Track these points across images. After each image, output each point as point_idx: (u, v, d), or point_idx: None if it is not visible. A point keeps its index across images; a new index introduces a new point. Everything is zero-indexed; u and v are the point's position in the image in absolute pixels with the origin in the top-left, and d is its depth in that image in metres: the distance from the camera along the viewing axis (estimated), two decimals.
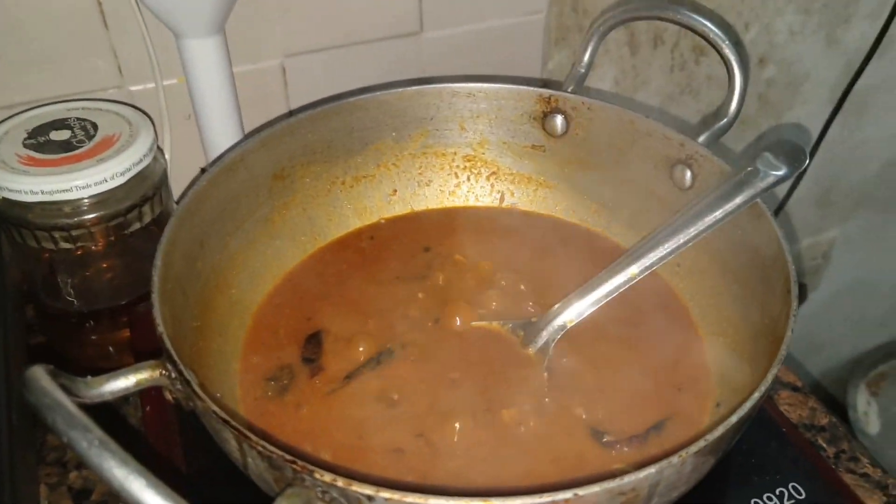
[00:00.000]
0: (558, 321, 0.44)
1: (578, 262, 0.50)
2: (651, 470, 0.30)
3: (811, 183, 1.04)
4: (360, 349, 0.45)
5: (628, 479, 0.30)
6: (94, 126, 0.53)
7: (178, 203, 0.47)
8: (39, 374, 0.28)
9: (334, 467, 0.36)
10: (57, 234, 0.51)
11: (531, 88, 0.52)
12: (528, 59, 0.74)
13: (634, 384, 0.44)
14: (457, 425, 0.41)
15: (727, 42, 0.48)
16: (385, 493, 0.29)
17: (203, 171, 0.56)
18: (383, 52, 0.69)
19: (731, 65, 0.48)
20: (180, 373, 0.33)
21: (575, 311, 0.44)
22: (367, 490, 0.29)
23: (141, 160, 0.52)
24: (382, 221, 0.55)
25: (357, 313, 0.48)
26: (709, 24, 0.48)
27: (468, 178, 0.56)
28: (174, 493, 0.25)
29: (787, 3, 0.84)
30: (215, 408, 0.32)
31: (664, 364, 0.45)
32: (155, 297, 0.37)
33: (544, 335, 0.44)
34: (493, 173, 0.56)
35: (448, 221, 0.55)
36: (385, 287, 0.49)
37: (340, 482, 0.29)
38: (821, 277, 1.17)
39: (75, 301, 0.55)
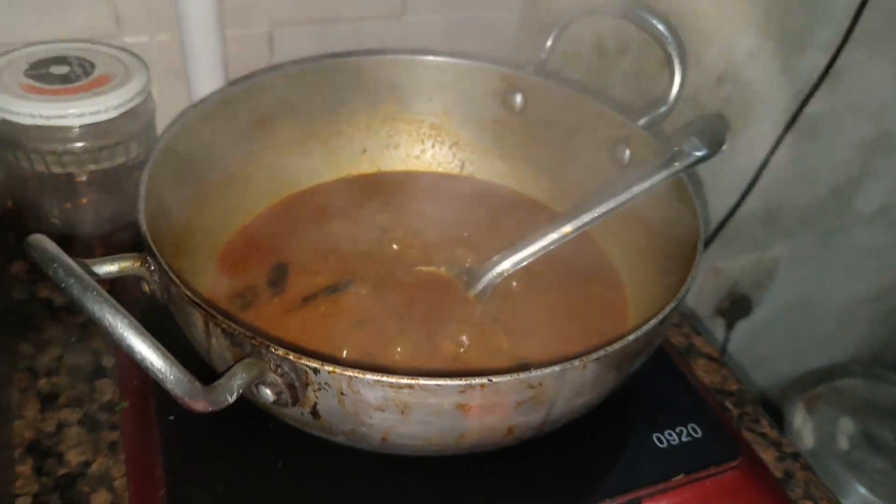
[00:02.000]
0: (497, 269, 0.49)
1: (523, 226, 0.54)
2: (556, 368, 0.35)
3: (759, 200, 1.10)
4: (319, 280, 0.50)
5: (536, 372, 0.35)
6: (92, 65, 0.58)
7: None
8: (43, 239, 0.32)
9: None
10: (49, 158, 0.56)
11: (494, 66, 0.58)
12: (502, 50, 0.79)
13: (561, 327, 0.49)
14: (398, 349, 0.46)
15: (670, 38, 0.54)
16: (328, 367, 0.34)
17: None
18: (367, 29, 0.74)
19: (672, 58, 0.54)
20: (158, 262, 0.38)
21: (511, 262, 0.49)
22: (314, 363, 0.34)
23: (132, 98, 0.57)
24: (351, 176, 0.60)
25: (320, 252, 0.52)
26: (655, 24, 0.54)
27: (433, 146, 0.61)
28: (150, 336, 0.30)
29: (747, 27, 0.91)
30: (186, 291, 0.36)
31: (590, 312, 0.50)
32: (141, 203, 0.41)
33: (484, 280, 0.50)
34: (456, 143, 0.61)
35: (411, 183, 0.60)
36: (347, 233, 0.54)
37: (291, 356, 0.34)
38: (765, 293, 1.23)
39: (59, 225, 0.59)
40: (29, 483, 0.47)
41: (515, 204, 0.59)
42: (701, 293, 1.17)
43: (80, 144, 0.56)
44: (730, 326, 1.17)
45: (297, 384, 0.35)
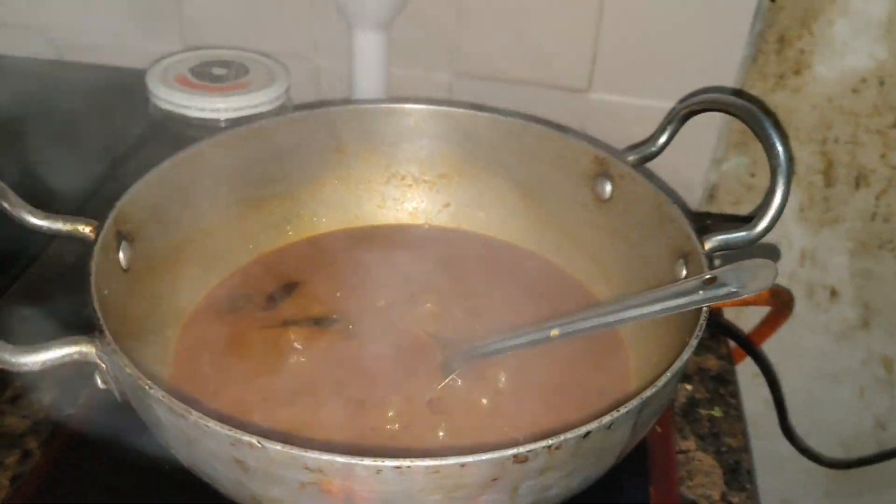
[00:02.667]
0: (473, 352, 0.45)
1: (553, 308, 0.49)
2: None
3: None
4: (309, 310, 0.49)
5: (315, 455, 0.30)
6: (246, 70, 0.64)
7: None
8: None
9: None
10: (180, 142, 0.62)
11: (589, 145, 0.52)
12: (698, 151, 0.71)
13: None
14: (330, 397, 0.43)
15: (781, 160, 0.43)
16: (129, 369, 0.33)
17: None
18: (547, 98, 0.71)
19: (776, 182, 0.44)
20: (97, 234, 0.40)
21: (487, 349, 0.44)
22: (122, 361, 0.34)
23: (271, 101, 0.62)
24: (426, 226, 0.58)
25: (334, 287, 0.52)
26: (772, 136, 0.44)
27: (517, 215, 0.57)
28: None
29: None
30: (93, 262, 0.38)
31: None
32: (131, 189, 0.45)
33: (456, 360, 0.45)
34: (540, 219, 0.56)
35: (474, 246, 0.56)
36: (375, 275, 0.52)
37: (112, 346, 0.34)
38: None
39: None
40: None
41: (563, 292, 0.52)
42: None
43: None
44: None
45: (120, 379, 0.35)
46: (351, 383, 0.45)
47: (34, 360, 0.33)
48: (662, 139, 0.52)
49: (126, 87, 0.68)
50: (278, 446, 0.30)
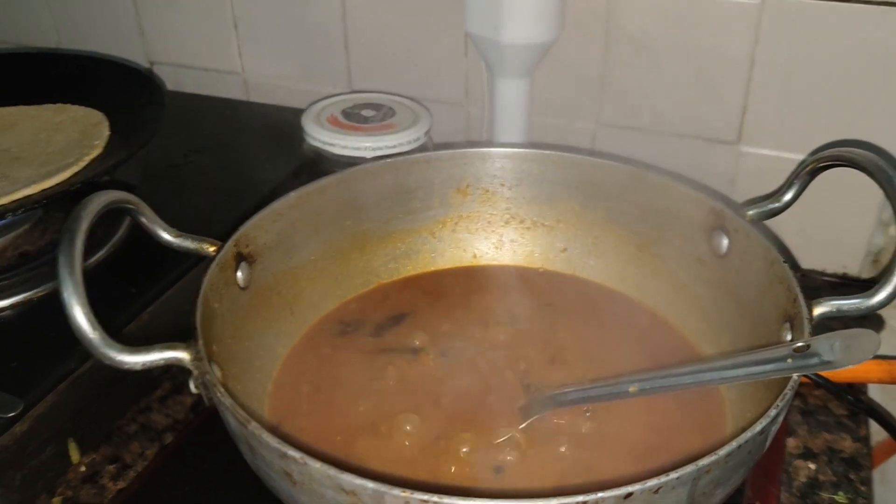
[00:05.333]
0: (553, 400, 0.44)
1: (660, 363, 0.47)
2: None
3: None
4: (411, 341, 0.51)
5: (349, 478, 0.32)
6: (393, 112, 0.68)
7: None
8: (96, 199, 0.42)
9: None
10: None
11: (706, 197, 0.50)
12: (860, 211, 0.66)
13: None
14: (407, 427, 0.45)
15: None
16: (210, 376, 0.37)
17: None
18: (693, 150, 0.70)
19: None
20: (218, 254, 0.45)
21: (565, 399, 0.43)
22: (209, 368, 0.37)
23: (411, 141, 0.66)
24: (541, 270, 0.58)
25: (444, 320, 0.53)
26: None
27: (633, 264, 0.56)
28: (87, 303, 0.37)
29: None
30: (208, 278, 0.43)
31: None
32: (258, 216, 0.49)
33: (536, 406, 0.45)
34: (656, 271, 0.54)
35: (586, 293, 0.56)
36: (483, 313, 0.54)
37: (203, 356, 0.38)
38: None
39: None
40: (180, 410, 0.57)
41: (666, 347, 0.50)
42: None
43: None
44: None
45: (208, 386, 0.38)
46: (433, 416, 0.46)
47: (136, 360, 0.38)
48: (788, 195, 0.49)
49: (292, 126, 0.74)
50: (317, 464, 0.32)
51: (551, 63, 0.67)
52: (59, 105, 0.65)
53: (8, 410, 0.45)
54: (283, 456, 0.33)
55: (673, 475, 0.32)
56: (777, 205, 0.49)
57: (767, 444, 0.36)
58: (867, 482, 0.51)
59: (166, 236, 0.46)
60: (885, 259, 0.68)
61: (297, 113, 0.79)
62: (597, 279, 0.57)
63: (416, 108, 0.70)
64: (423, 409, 0.46)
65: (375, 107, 0.70)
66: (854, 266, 0.68)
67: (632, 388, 0.41)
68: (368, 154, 0.65)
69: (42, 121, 0.63)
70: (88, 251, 0.54)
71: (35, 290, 0.54)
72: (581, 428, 0.45)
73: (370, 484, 0.31)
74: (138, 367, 0.38)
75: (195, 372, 0.39)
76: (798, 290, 0.42)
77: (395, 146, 0.65)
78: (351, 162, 0.65)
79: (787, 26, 0.61)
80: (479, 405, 0.46)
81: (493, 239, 0.59)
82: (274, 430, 0.37)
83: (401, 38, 0.75)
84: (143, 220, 0.45)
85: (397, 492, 0.31)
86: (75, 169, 0.55)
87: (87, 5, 0.88)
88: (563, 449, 0.43)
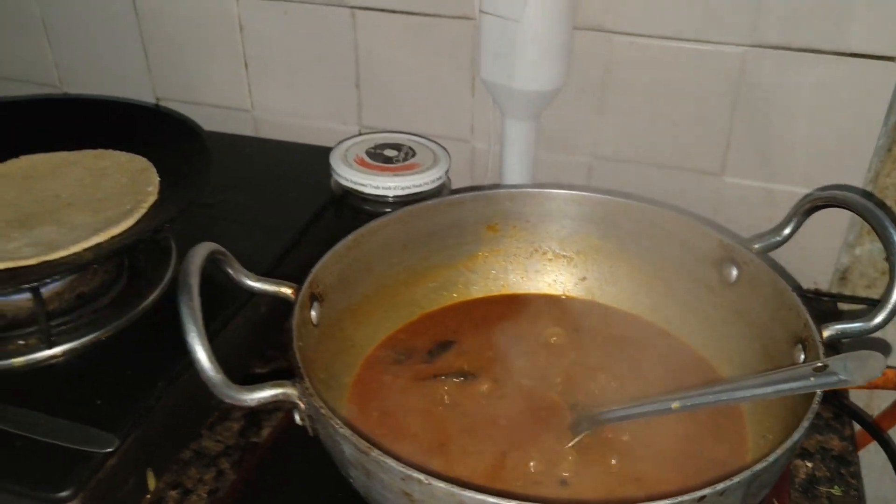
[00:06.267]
0: (601, 417, 0.51)
1: (682, 383, 0.54)
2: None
3: None
4: (461, 366, 0.57)
5: (470, 494, 0.38)
6: (413, 153, 0.74)
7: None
8: (200, 250, 0.47)
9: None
10: (360, 216, 0.73)
11: (715, 232, 0.57)
12: (828, 237, 0.74)
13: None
14: (475, 446, 0.51)
15: None
16: (324, 411, 0.42)
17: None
18: (682, 180, 0.77)
19: (894, 276, 0.48)
20: (299, 296, 0.50)
21: (617, 415, 0.50)
22: (318, 403, 0.43)
23: (431, 182, 0.71)
24: (563, 297, 0.65)
25: (485, 347, 0.59)
26: (890, 231, 0.48)
27: (648, 293, 0.63)
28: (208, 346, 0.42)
29: None
30: (294, 323, 0.48)
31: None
32: (324, 259, 0.54)
33: (584, 423, 0.51)
34: (669, 296, 0.61)
35: (608, 316, 0.62)
36: (520, 339, 0.60)
37: (310, 391, 0.43)
38: None
39: None
40: (230, 437, 0.61)
41: (686, 362, 0.58)
42: None
43: (380, 210, 0.72)
44: None
45: (314, 417, 0.44)
46: (491, 435, 0.52)
47: (252, 397, 0.43)
48: (787, 230, 0.56)
49: (311, 163, 0.79)
50: (442, 484, 0.37)
51: (554, 104, 0.74)
52: (99, 151, 0.68)
53: (105, 446, 0.49)
54: (407, 478, 0.38)
55: (735, 479, 0.38)
56: (778, 238, 0.57)
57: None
58: (856, 476, 0.59)
59: (248, 281, 0.51)
60: (853, 277, 0.77)
61: (313, 150, 0.84)
62: (614, 304, 0.64)
63: (433, 147, 0.75)
64: (484, 429, 0.52)
65: (396, 147, 0.75)
66: (824, 282, 0.77)
67: (674, 405, 0.47)
68: (397, 192, 0.70)
69: (85, 166, 0.66)
70: (139, 295, 0.59)
71: (102, 331, 0.58)
72: (622, 439, 0.51)
73: (491, 499, 0.37)
74: (253, 404, 0.43)
75: (303, 406, 0.44)
76: (808, 316, 0.49)
77: (420, 185, 0.70)
78: (378, 200, 0.71)
79: (763, 73, 0.69)
80: (532, 424, 0.52)
81: (520, 270, 0.65)
82: None
83: (411, 78, 0.81)
84: (229, 268, 0.50)
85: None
86: (136, 216, 0.59)
87: (92, 42, 0.91)
88: (613, 461, 0.49)
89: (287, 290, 0.51)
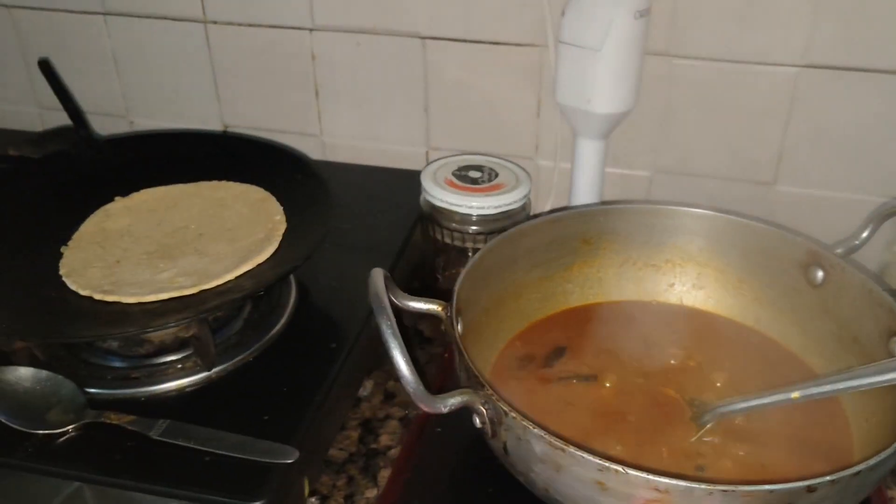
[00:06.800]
0: (724, 409, 0.57)
1: (780, 380, 0.60)
2: (681, 483, 0.43)
3: None
4: (582, 368, 0.63)
5: (656, 477, 0.43)
6: (496, 174, 0.80)
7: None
8: (378, 273, 0.52)
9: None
10: (447, 233, 0.78)
11: (804, 240, 0.64)
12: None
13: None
14: (618, 447, 0.56)
15: None
16: (513, 413, 0.48)
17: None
18: (737, 190, 0.84)
19: None
20: (451, 310, 0.55)
21: (740, 406, 0.56)
22: (504, 407, 0.48)
23: (513, 203, 0.76)
24: (654, 302, 0.71)
25: (596, 350, 0.65)
26: None
27: (735, 295, 0.69)
28: (407, 353, 0.47)
29: None
30: (457, 333, 0.53)
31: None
32: (464, 272, 0.60)
33: (709, 415, 0.57)
34: (757, 299, 0.68)
35: (701, 321, 0.69)
36: (625, 342, 0.66)
37: (493, 396, 0.49)
38: None
39: (441, 280, 0.82)
40: (350, 444, 0.67)
41: (786, 362, 0.64)
42: None
43: (471, 228, 0.77)
44: None
45: (495, 420, 0.49)
46: (622, 430, 0.57)
47: (446, 404, 0.48)
48: (865, 234, 0.63)
49: (391, 184, 0.85)
50: (639, 472, 0.43)
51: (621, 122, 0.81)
52: (213, 182, 0.72)
53: (287, 457, 0.54)
54: (604, 469, 0.44)
55: (883, 455, 0.44)
56: (857, 242, 0.64)
57: None
58: None
59: (409, 303, 0.56)
60: (891, 272, 0.84)
61: (386, 172, 0.90)
62: (707, 308, 0.70)
63: (513, 168, 0.81)
64: (615, 425, 0.58)
65: (478, 168, 0.81)
66: None
67: (794, 395, 0.54)
68: (489, 212, 0.76)
69: (203, 198, 0.70)
70: (270, 317, 0.63)
71: (248, 352, 0.62)
72: (747, 429, 0.57)
73: (682, 482, 0.43)
74: (446, 411, 0.48)
75: (485, 410, 0.49)
76: None
77: (509, 204, 0.76)
78: (463, 219, 0.76)
79: (817, 91, 0.76)
80: (658, 419, 0.58)
81: (613, 279, 0.71)
82: None
83: (478, 102, 0.87)
84: (391, 296, 0.54)
85: (705, 486, 0.42)
86: (275, 244, 0.63)
87: (158, 73, 0.94)
88: (741, 452, 0.56)
89: (437, 307, 0.57)
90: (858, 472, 0.44)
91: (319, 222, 0.65)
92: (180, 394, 0.58)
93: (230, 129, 0.96)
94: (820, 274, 0.64)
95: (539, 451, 0.47)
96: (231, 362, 0.61)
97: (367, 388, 0.72)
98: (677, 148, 0.84)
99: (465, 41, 0.84)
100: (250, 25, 0.89)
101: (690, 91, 0.80)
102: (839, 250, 0.63)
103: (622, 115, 0.78)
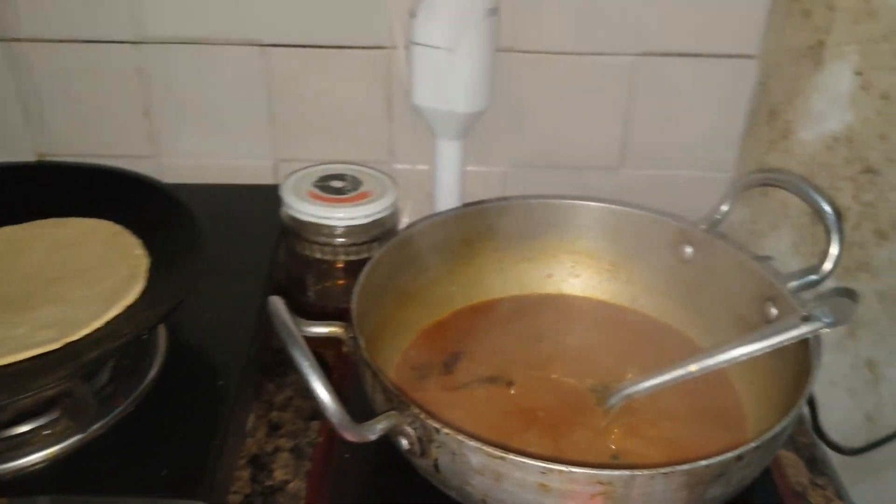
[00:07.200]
0: (627, 391, 0.58)
1: (670, 356, 0.62)
2: (625, 472, 0.43)
3: None
4: (481, 371, 0.62)
5: (606, 472, 0.43)
6: (360, 182, 0.77)
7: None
8: (277, 300, 0.48)
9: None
10: (316, 247, 0.75)
11: (670, 220, 0.67)
12: (710, 207, 0.88)
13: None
14: (538, 445, 0.56)
15: (830, 216, 0.60)
16: (446, 429, 0.46)
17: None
18: (587, 177, 0.87)
19: (830, 233, 0.60)
20: (353, 331, 0.53)
21: (642, 387, 0.58)
22: (436, 424, 0.46)
23: (382, 211, 0.74)
24: (535, 295, 0.72)
25: (492, 350, 0.65)
26: (818, 199, 0.60)
27: (609, 279, 0.71)
28: (326, 379, 0.44)
29: None
30: (365, 354, 0.50)
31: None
32: (357, 289, 0.57)
33: (614, 398, 0.58)
34: (630, 279, 0.71)
35: (583, 307, 0.70)
36: (516, 339, 0.66)
37: (422, 415, 0.47)
38: None
39: (313, 297, 0.78)
40: (244, 486, 0.62)
41: (669, 338, 0.67)
42: None
43: (340, 240, 0.74)
44: None
45: (424, 439, 0.47)
46: (537, 427, 0.57)
47: (373, 431, 0.46)
48: (725, 208, 0.67)
49: (242, 201, 0.80)
50: (582, 469, 0.43)
51: None
52: (54, 220, 0.64)
53: None
54: (546, 471, 0.43)
55: (783, 423, 0.47)
56: (718, 216, 0.68)
57: None
58: None
59: (304, 328, 0.52)
60: (753, 242, 0.91)
61: (233, 189, 0.84)
62: (583, 294, 0.72)
63: (375, 175, 0.79)
64: (530, 423, 0.58)
65: (340, 177, 0.78)
66: None
67: (692, 368, 0.56)
68: (361, 222, 0.73)
69: (46, 238, 0.62)
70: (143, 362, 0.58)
71: (126, 404, 0.56)
72: (647, 409, 0.59)
73: (625, 472, 0.43)
74: (375, 438, 0.46)
75: (412, 431, 0.47)
76: (773, 276, 0.60)
77: (380, 212, 0.74)
78: (331, 231, 0.73)
79: (653, 78, 0.81)
80: (567, 410, 0.59)
81: (494, 276, 0.71)
82: None
83: (326, 109, 0.83)
84: (290, 324, 0.50)
85: (648, 472, 0.43)
86: (142, 281, 0.57)
87: None
88: (649, 432, 0.57)
89: (339, 329, 0.54)
90: (776, 435, 0.47)
91: (188, 250, 0.59)
92: (55, 463, 0.51)
93: (46, 159, 0.86)
94: (689, 250, 0.67)
95: (476, 464, 0.45)
96: (109, 417, 0.54)
97: (249, 421, 0.67)
98: (530, 141, 0.85)
99: (308, 47, 0.81)
100: (63, 41, 0.80)
101: (539, 85, 0.82)
102: (703, 226, 0.67)
103: (481, 113, 0.78)
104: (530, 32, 0.79)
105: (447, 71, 0.73)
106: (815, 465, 0.65)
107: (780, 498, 0.58)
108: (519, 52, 0.80)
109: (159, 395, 0.58)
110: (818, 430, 0.83)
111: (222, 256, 0.72)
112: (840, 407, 1.04)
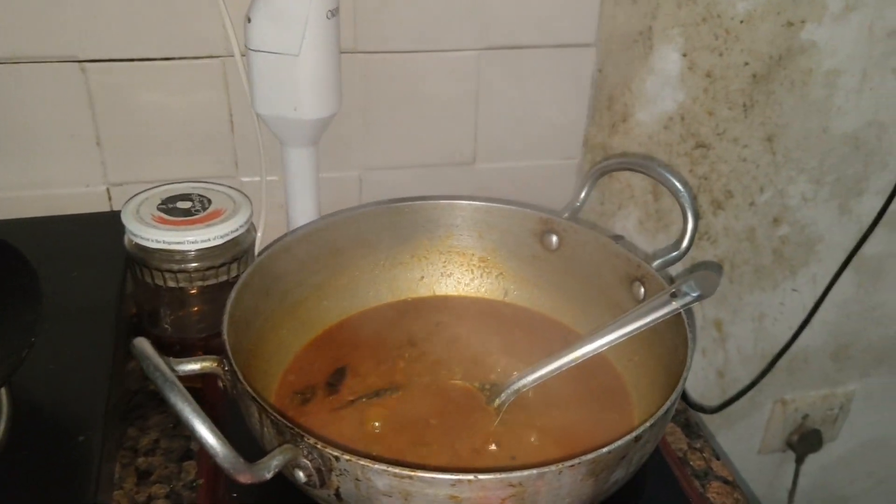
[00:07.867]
0: (515, 386, 0.58)
1: (549, 346, 0.63)
2: (533, 471, 0.43)
3: (828, 336, 1.13)
4: (368, 384, 0.60)
5: (516, 473, 0.43)
6: (209, 201, 0.72)
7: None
8: (143, 342, 0.44)
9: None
10: (168, 275, 0.69)
11: (534, 211, 0.68)
12: (562, 193, 0.90)
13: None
14: (436, 455, 0.55)
15: (684, 195, 0.62)
16: (346, 456, 0.43)
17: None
18: (442, 175, 0.86)
19: (685, 211, 0.62)
20: (230, 363, 0.49)
21: (528, 380, 0.58)
22: (336, 452, 0.43)
23: (237, 230, 0.70)
24: (409, 299, 0.70)
25: (375, 361, 0.63)
26: (672, 179, 0.63)
27: (481, 275, 0.71)
28: (210, 421, 0.40)
29: (800, 174, 0.98)
30: (247, 387, 0.47)
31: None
32: (226, 316, 0.53)
33: (503, 395, 0.58)
34: (501, 273, 0.71)
35: (459, 306, 0.70)
36: (399, 346, 0.64)
37: (319, 445, 0.44)
38: (839, 429, 1.23)
39: (169, 329, 0.72)
40: None
41: (546, 327, 0.67)
42: (769, 425, 1.19)
43: (193, 265, 0.69)
44: (799, 460, 1.17)
45: (323, 469, 0.44)
46: (432, 436, 0.56)
47: (269, 468, 0.42)
48: (582, 195, 0.69)
49: (75, 233, 0.73)
50: (491, 475, 0.42)
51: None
52: None
53: None
54: (456, 483, 0.42)
55: (663, 409, 0.48)
56: (578, 204, 0.69)
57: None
58: None
59: (180, 367, 0.48)
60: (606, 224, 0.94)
61: (69, 220, 0.77)
62: (454, 293, 0.71)
63: (225, 191, 0.74)
64: (424, 433, 0.56)
65: (186, 197, 0.72)
66: None
67: (575, 355, 0.56)
68: (216, 243, 0.68)
69: None
70: None
71: None
72: (535, 400, 0.59)
73: (534, 470, 0.42)
74: (271, 476, 0.42)
75: (309, 463, 0.44)
76: (639, 258, 0.62)
77: (235, 230, 0.69)
78: (181, 256, 0.68)
79: (496, 70, 0.81)
80: (459, 414, 0.58)
81: (366, 285, 0.69)
82: None
83: (160, 126, 0.78)
84: (162, 366, 0.46)
85: (554, 467, 0.43)
86: None
87: None
88: (532, 439, 0.57)
89: (212, 364, 0.50)
90: (667, 410, 0.48)
91: (20, 298, 0.53)
92: None
93: None
94: (554, 239, 0.68)
95: (383, 486, 0.43)
96: None
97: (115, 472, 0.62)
98: (382, 143, 0.83)
99: (132, 60, 0.75)
100: None
101: (385, 85, 0.80)
102: (566, 215, 0.68)
103: (330, 118, 0.75)
104: (372, 33, 0.77)
105: (290, 77, 0.70)
106: (691, 429, 0.68)
107: (669, 468, 0.60)
108: (363, 52, 0.78)
109: (12, 461, 0.51)
110: (683, 394, 0.88)
111: (61, 298, 0.66)
112: (694, 367, 1.10)
